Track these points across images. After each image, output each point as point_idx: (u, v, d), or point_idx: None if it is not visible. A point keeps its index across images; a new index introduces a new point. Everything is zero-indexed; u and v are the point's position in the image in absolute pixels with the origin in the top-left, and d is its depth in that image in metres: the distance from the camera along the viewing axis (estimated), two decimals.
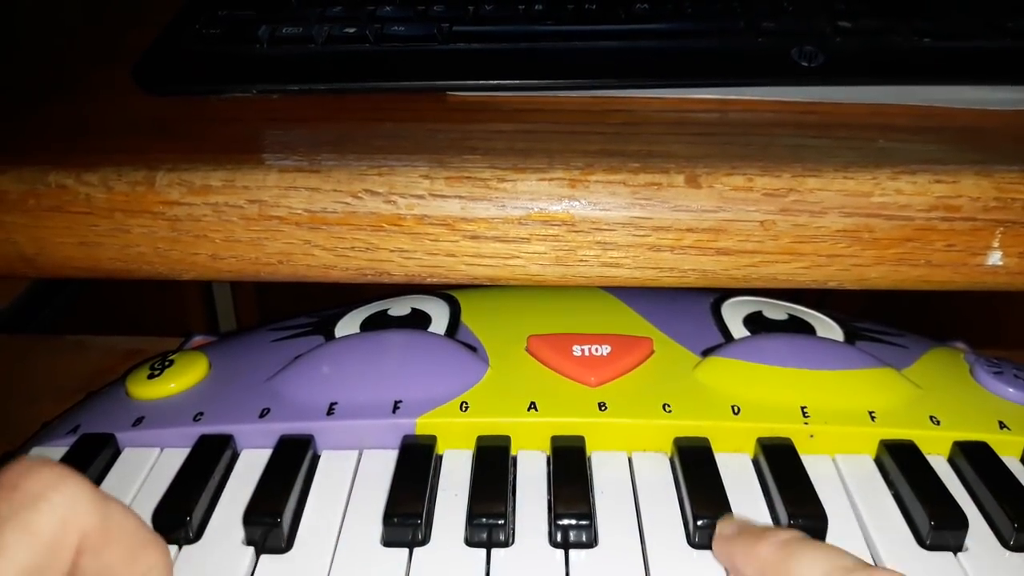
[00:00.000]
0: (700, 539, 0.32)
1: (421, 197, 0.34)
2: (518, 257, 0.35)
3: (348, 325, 0.42)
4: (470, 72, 0.40)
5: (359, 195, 0.34)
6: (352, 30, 0.42)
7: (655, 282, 0.35)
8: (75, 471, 0.24)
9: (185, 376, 0.40)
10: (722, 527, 0.31)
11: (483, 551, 0.31)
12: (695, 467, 0.34)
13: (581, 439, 0.36)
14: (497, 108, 0.40)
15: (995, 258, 0.34)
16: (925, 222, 0.33)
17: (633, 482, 0.35)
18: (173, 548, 0.31)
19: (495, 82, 0.40)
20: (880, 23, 0.42)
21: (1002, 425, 0.37)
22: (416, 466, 0.34)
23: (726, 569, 0.30)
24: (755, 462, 0.36)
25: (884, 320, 0.46)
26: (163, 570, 0.26)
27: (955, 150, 0.36)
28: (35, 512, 0.22)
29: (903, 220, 0.33)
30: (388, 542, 0.32)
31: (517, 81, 0.40)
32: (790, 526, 0.31)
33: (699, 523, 0.32)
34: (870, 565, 0.26)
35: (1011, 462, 0.36)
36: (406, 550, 0.31)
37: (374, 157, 0.35)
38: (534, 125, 0.38)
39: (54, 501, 0.22)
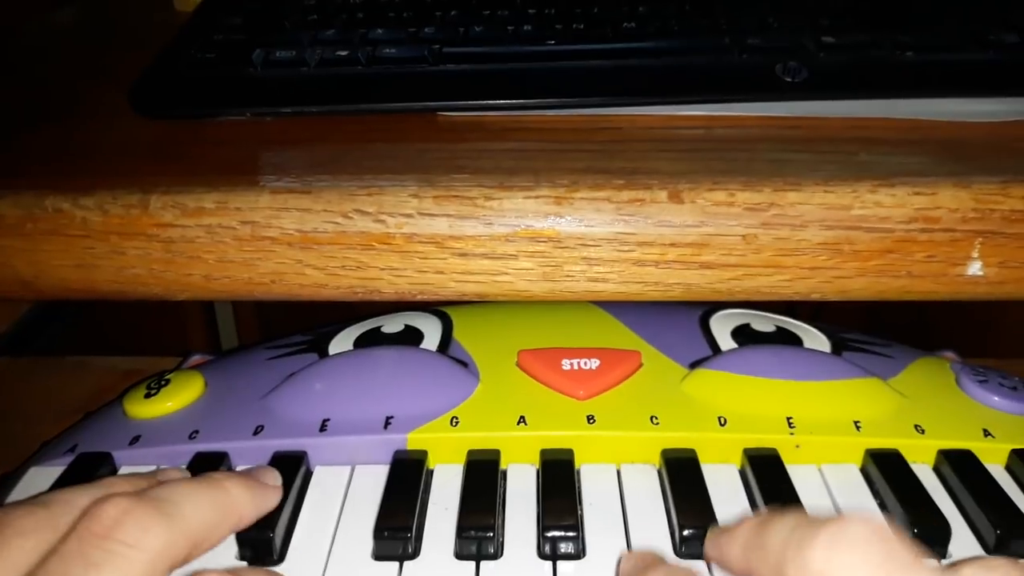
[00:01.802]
0: (687, 549, 0.32)
1: (410, 216, 0.34)
2: (506, 273, 0.35)
3: (342, 342, 0.43)
4: (460, 93, 0.41)
5: (349, 215, 0.34)
6: (344, 53, 0.43)
7: (640, 296, 0.36)
8: (158, 511, 0.26)
9: (181, 395, 0.40)
10: (711, 531, 0.31)
11: (472, 564, 0.32)
12: (682, 478, 0.35)
13: (570, 452, 0.36)
14: (486, 127, 0.40)
15: (975, 268, 0.34)
16: (905, 234, 0.34)
17: (621, 494, 0.35)
18: None
19: (484, 102, 0.41)
20: (863, 38, 0.42)
21: (986, 433, 0.37)
22: (407, 481, 0.35)
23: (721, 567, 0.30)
24: (742, 473, 0.36)
25: (882, 332, 0.46)
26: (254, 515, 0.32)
27: (934, 162, 0.36)
28: (127, 561, 0.25)
29: (883, 232, 0.34)
30: (379, 556, 0.32)
31: (506, 101, 0.41)
32: None
33: (685, 533, 0.32)
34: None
35: (995, 469, 0.36)
36: (396, 563, 0.32)
37: (364, 177, 0.35)
38: (522, 144, 0.39)
39: (143, 547, 0.26)
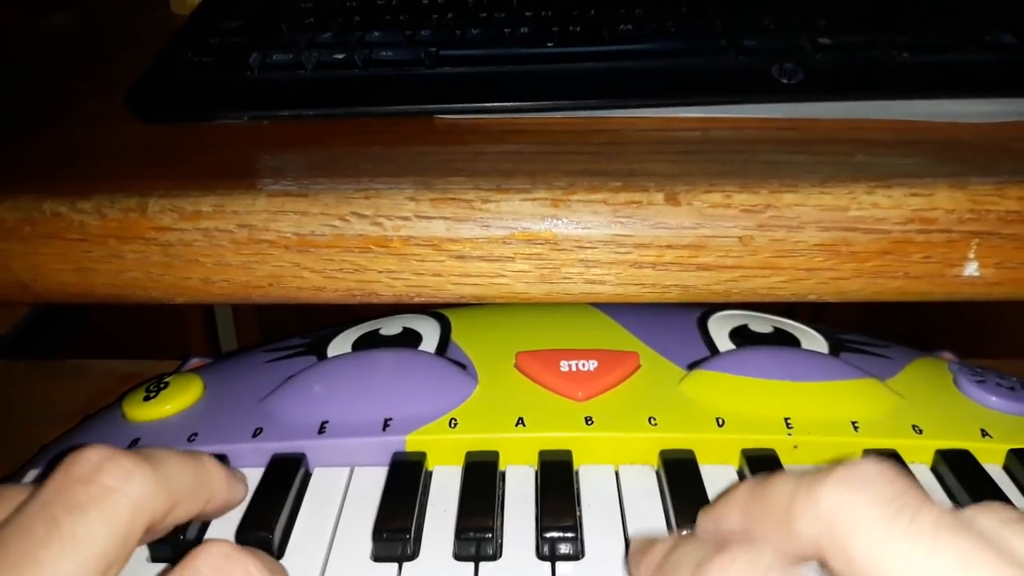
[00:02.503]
0: None
1: (407, 219, 0.34)
2: (503, 276, 0.35)
3: (340, 345, 0.43)
4: (457, 95, 0.41)
5: (346, 218, 0.34)
6: (341, 56, 0.43)
7: (638, 298, 0.36)
8: (142, 459, 0.26)
9: (180, 398, 0.40)
10: (702, 510, 0.29)
11: (471, 565, 0.32)
12: (680, 479, 0.35)
13: (568, 453, 0.36)
14: (483, 130, 0.40)
15: (971, 269, 0.34)
16: (902, 235, 0.34)
17: (619, 495, 0.35)
18: (166, 565, 0.32)
19: (481, 104, 0.41)
20: (859, 39, 0.42)
21: (984, 433, 0.37)
22: (406, 482, 0.35)
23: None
24: (740, 473, 0.36)
25: (880, 333, 0.46)
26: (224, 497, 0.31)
27: (931, 163, 0.36)
28: (111, 503, 0.24)
29: (880, 233, 0.34)
30: (378, 557, 0.32)
31: (503, 103, 0.41)
32: None
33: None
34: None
35: (993, 469, 0.36)
36: (395, 565, 0.32)
37: (361, 180, 0.35)
38: (519, 146, 0.39)
39: (127, 492, 0.25)
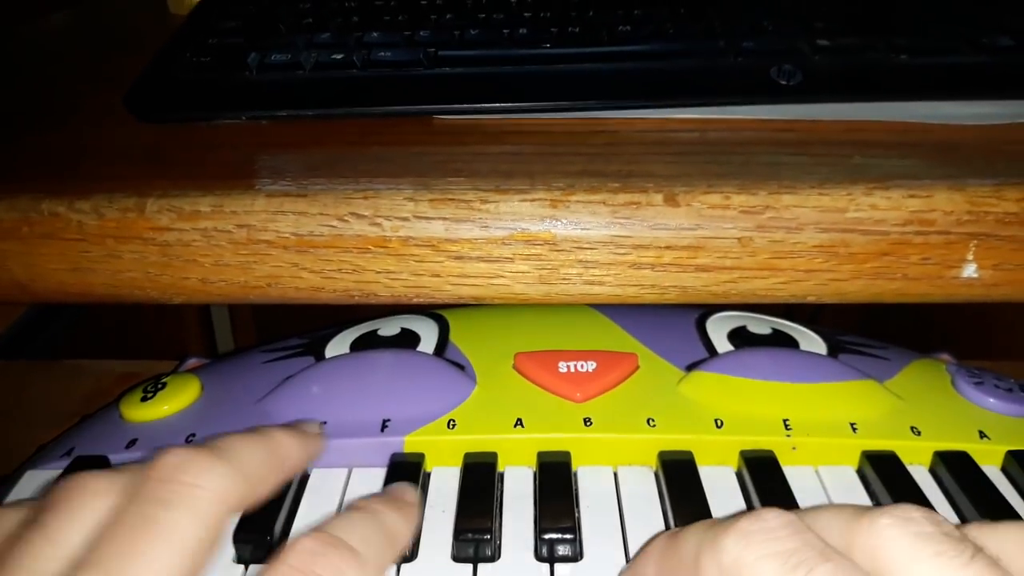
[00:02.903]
0: None
1: (406, 219, 0.34)
2: (502, 276, 0.35)
3: (338, 346, 0.43)
4: (456, 96, 0.41)
5: (345, 218, 0.34)
6: (340, 56, 0.43)
7: (636, 299, 0.36)
8: (216, 455, 0.28)
9: (178, 398, 0.40)
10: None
11: (470, 566, 0.32)
12: (679, 480, 0.35)
13: (567, 454, 0.36)
14: (482, 131, 0.40)
15: (970, 270, 0.34)
16: (900, 236, 0.34)
17: (618, 496, 0.35)
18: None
19: (480, 105, 0.41)
20: (858, 41, 0.42)
21: (982, 435, 0.37)
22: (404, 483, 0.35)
23: None
24: (738, 475, 0.36)
25: (879, 334, 0.47)
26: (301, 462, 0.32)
27: (929, 165, 0.36)
28: (195, 498, 0.26)
29: (878, 235, 0.34)
30: None
31: (501, 104, 0.41)
32: None
33: None
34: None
35: (991, 471, 0.36)
36: (393, 566, 0.32)
37: (359, 181, 0.35)
38: (518, 147, 0.39)
39: (207, 487, 0.27)
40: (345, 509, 0.31)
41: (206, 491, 0.27)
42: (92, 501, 0.27)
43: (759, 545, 0.24)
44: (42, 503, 0.27)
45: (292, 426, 0.34)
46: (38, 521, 0.26)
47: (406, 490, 0.34)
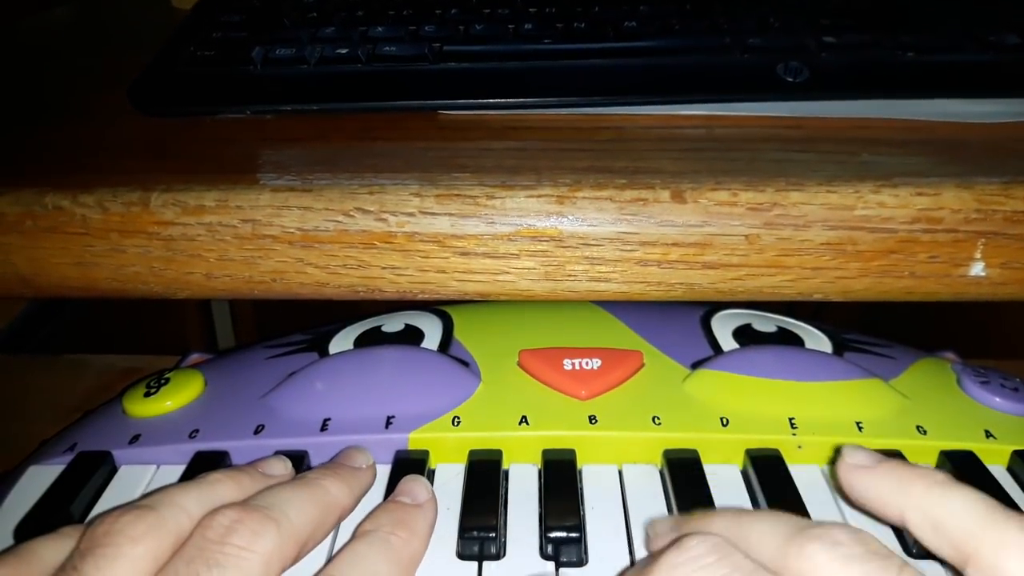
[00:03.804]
0: None
1: (411, 215, 0.34)
2: (508, 273, 0.35)
3: (342, 342, 0.43)
4: (460, 91, 0.41)
5: (350, 213, 0.34)
6: (344, 51, 0.42)
7: (643, 296, 0.35)
8: (267, 518, 0.29)
9: (181, 394, 0.40)
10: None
11: (474, 564, 0.32)
12: (684, 478, 0.35)
13: (572, 452, 0.36)
14: (487, 126, 0.40)
15: (977, 269, 0.34)
16: (908, 234, 0.34)
17: (623, 494, 0.35)
18: None
19: (485, 100, 0.41)
20: (864, 38, 0.42)
21: (988, 434, 0.37)
22: None
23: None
24: (744, 473, 0.36)
25: (882, 332, 0.46)
26: (351, 507, 0.34)
27: (937, 163, 0.36)
28: (245, 561, 0.27)
29: (886, 232, 0.34)
30: None
31: (507, 99, 0.41)
32: None
33: None
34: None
35: (997, 471, 0.36)
36: (332, 530, 0.32)
37: (365, 176, 0.35)
38: (523, 143, 0.39)
39: (257, 551, 0.27)
40: None
41: (256, 555, 0.27)
42: (131, 549, 0.27)
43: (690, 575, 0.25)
44: (80, 546, 0.27)
45: (340, 466, 0.34)
46: (75, 567, 0.27)
47: (355, 455, 0.35)
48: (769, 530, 0.26)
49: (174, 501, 0.29)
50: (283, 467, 0.35)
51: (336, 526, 0.33)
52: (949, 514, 0.26)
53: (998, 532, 0.25)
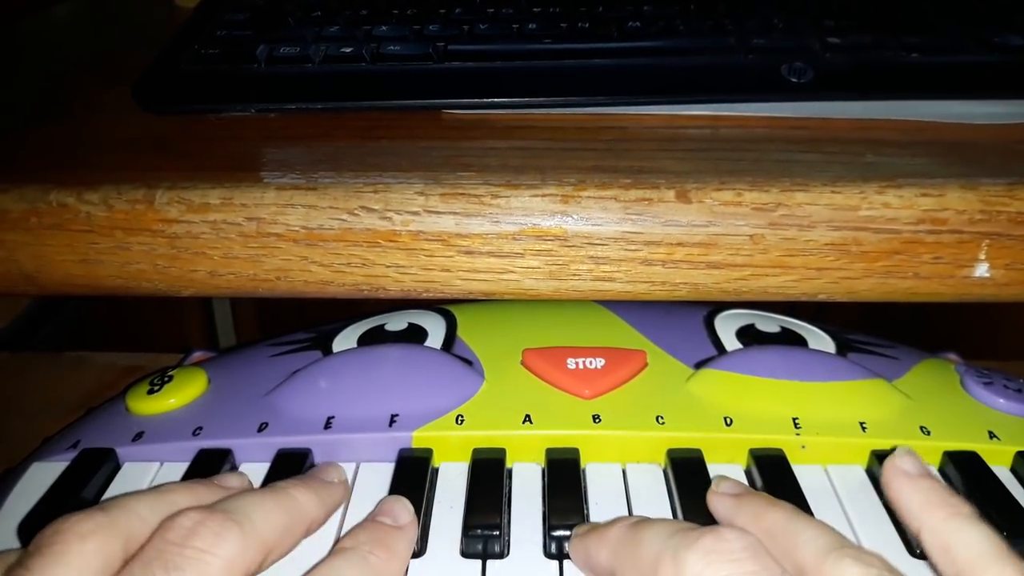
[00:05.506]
0: None
1: (416, 213, 0.34)
2: (512, 272, 0.35)
3: (346, 340, 0.43)
4: (465, 90, 0.41)
5: (355, 212, 0.34)
6: (349, 49, 0.42)
7: (647, 296, 0.35)
8: (230, 520, 0.28)
9: (184, 391, 0.40)
10: (577, 529, 0.32)
11: (478, 562, 0.32)
12: (688, 478, 0.35)
13: (576, 451, 0.36)
14: (491, 125, 0.40)
15: (982, 270, 0.34)
16: (912, 235, 0.34)
17: (627, 493, 0.35)
18: None
19: (489, 100, 0.41)
20: (869, 39, 0.42)
21: (992, 435, 0.37)
22: (412, 479, 0.35)
23: (584, 569, 0.31)
24: (747, 473, 0.36)
25: (883, 332, 0.46)
26: (321, 518, 0.33)
27: (941, 164, 0.36)
28: (204, 564, 0.26)
29: (890, 233, 0.34)
30: None
31: (511, 99, 0.41)
32: None
33: None
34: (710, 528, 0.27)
35: (1001, 471, 0.36)
36: (299, 542, 0.32)
37: (370, 174, 0.35)
38: (528, 142, 0.39)
39: (218, 554, 0.27)
40: None
41: (218, 558, 0.27)
42: (80, 546, 0.26)
43: (720, 566, 0.26)
44: (29, 548, 0.27)
45: (311, 477, 0.34)
46: (24, 566, 0.26)
47: (329, 470, 0.35)
48: (816, 536, 0.27)
49: (126, 505, 0.28)
50: (239, 480, 0.34)
51: (304, 536, 0.32)
52: (961, 543, 0.27)
53: (998, 568, 0.26)
